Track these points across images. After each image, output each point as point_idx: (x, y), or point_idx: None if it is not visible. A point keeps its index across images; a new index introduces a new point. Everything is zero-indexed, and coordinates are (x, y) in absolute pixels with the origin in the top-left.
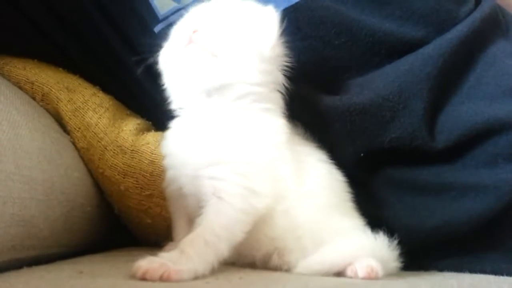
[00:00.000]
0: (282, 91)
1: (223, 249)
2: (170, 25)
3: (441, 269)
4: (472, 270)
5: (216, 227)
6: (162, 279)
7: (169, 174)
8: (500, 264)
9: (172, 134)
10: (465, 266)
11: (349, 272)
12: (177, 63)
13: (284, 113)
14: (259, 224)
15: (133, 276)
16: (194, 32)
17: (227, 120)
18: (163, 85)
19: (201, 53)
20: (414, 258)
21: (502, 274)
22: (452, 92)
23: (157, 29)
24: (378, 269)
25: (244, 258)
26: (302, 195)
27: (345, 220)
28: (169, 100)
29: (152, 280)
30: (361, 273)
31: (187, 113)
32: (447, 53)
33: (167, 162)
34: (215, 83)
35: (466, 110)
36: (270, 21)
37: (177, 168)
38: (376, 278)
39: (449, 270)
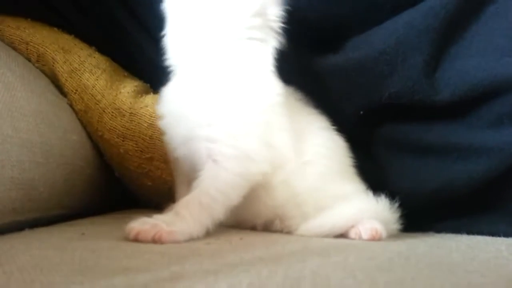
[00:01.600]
0: (272, 49)
1: (219, 212)
2: None
3: (439, 230)
4: (470, 232)
5: (212, 190)
6: (153, 240)
7: (166, 138)
8: (498, 225)
9: (167, 94)
10: (463, 227)
11: (352, 234)
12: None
13: (276, 74)
14: (258, 194)
15: (127, 238)
16: None
17: (220, 78)
18: (162, 37)
19: None
20: (413, 220)
21: (499, 235)
22: (460, 45)
23: None
24: (382, 231)
25: (245, 224)
26: (302, 164)
27: (347, 185)
28: (166, 56)
29: (145, 242)
30: (365, 235)
31: (183, 71)
32: (450, 3)
33: (163, 123)
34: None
35: (474, 65)
36: None
37: (172, 128)
38: (380, 240)
39: (447, 232)
